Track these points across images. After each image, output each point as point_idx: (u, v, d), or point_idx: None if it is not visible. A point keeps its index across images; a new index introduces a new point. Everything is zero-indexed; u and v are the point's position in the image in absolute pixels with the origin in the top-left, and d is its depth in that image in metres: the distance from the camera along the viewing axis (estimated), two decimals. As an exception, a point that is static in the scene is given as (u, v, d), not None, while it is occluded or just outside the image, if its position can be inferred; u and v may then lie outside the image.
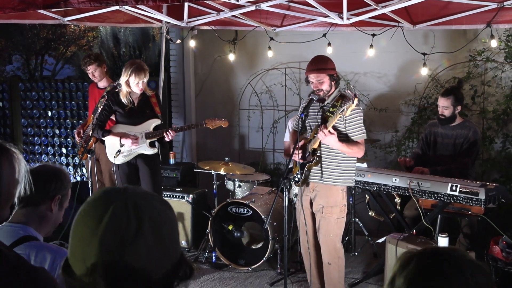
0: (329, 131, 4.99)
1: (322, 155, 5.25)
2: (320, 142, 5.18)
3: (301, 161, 5.36)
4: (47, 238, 2.72)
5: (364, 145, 5.26)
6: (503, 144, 7.21)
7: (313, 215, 5.45)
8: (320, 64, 5.22)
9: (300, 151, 5.33)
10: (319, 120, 5.27)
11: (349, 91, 4.94)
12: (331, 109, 5.15)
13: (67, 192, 2.76)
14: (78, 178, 9.83)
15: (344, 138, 5.15)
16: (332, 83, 5.24)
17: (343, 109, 4.88)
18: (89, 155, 6.16)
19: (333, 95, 5.26)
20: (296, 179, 5.51)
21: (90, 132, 6.31)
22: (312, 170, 5.33)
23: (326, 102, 5.26)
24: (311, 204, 5.42)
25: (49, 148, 10.49)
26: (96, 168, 7.18)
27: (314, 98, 5.30)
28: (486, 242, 5.51)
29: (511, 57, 7.03)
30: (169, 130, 6.11)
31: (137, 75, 5.91)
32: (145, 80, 5.99)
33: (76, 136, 7.20)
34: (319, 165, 5.26)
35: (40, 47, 18.46)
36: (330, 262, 5.38)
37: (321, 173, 5.26)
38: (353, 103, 4.83)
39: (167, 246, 1.49)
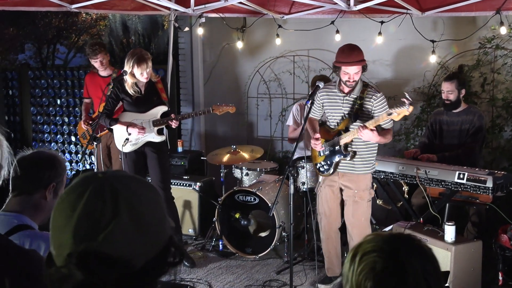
0: (371, 129, 5.04)
1: (355, 148, 5.35)
2: (351, 137, 5.27)
3: (327, 152, 5.44)
4: (42, 226, 2.68)
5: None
6: (512, 132, 7.15)
7: (340, 202, 5.57)
8: (360, 55, 5.18)
9: (316, 137, 5.40)
10: (348, 113, 5.32)
11: (405, 99, 4.89)
12: (358, 101, 5.22)
13: (62, 179, 2.68)
14: (88, 166, 9.86)
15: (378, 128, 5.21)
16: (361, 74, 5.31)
17: (393, 113, 4.92)
18: (95, 143, 6.16)
19: (358, 86, 5.29)
20: (322, 169, 5.58)
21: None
22: (341, 162, 5.40)
23: (351, 94, 5.29)
24: (340, 190, 5.53)
25: (58, 136, 10.52)
26: (107, 155, 7.20)
27: (320, 85, 5.30)
28: (495, 230, 5.48)
29: (521, 44, 6.95)
30: (173, 119, 6.07)
31: (139, 66, 5.84)
32: (148, 69, 5.91)
33: (82, 126, 7.18)
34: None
35: (52, 36, 18.49)
36: None
37: (352, 164, 5.38)
38: (407, 109, 4.85)
39: (149, 231, 1.39)
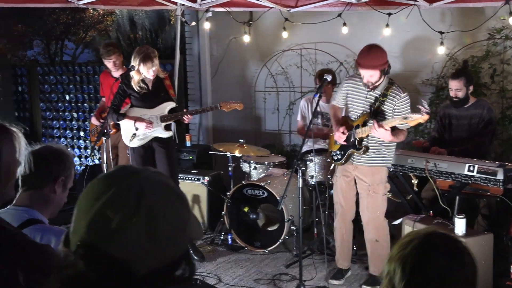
0: (385, 129, 5.02)
1: (369, 142, 5.33)
2: (367, 132, 5.24)
3: (344, 143, 5.41)
4: (52, 220, 2.69)
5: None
6: (523, 124, 7.09)
7: (355, 193, 5.59)
8: (375, 61, 5.12)
9: (342, 131, 5.38)
10: (369, 108, 5.29)
11: (422, 106, 4.86)
12: (381, 98, 5.21)
13: (71, 172, 2.70)
14: (97, 161, 9.87)
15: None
16: (383, 75, 5.21)
17: (409, 118, 4.92)
18: (104, 138, 6.14)
19: (383, 83, 5.25)
20: (336, 157, 5.59)
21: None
22: (355, 154, 5.39)
23: (375, 90, 5.26)
24: (355, 182, 5.52)
25: (67, 131, 10.55)
26: (113, 153, 7.17)
27: (328, 78, 5.31)
28: (505, 223, 5.43)
29: (531, 34, 6.89)
30: (186, 114, 6.08)
31: (145, 65, 5.83)
32: (154, 67, 5.89)
33: (94, 121, 7.17)
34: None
35: (60, 32, 18.55)
36: (378, 239, 5.48)
37: (367, 157, 5.35)
38: (421, 117, 4.84)
39: (161, 243, 1.36)
